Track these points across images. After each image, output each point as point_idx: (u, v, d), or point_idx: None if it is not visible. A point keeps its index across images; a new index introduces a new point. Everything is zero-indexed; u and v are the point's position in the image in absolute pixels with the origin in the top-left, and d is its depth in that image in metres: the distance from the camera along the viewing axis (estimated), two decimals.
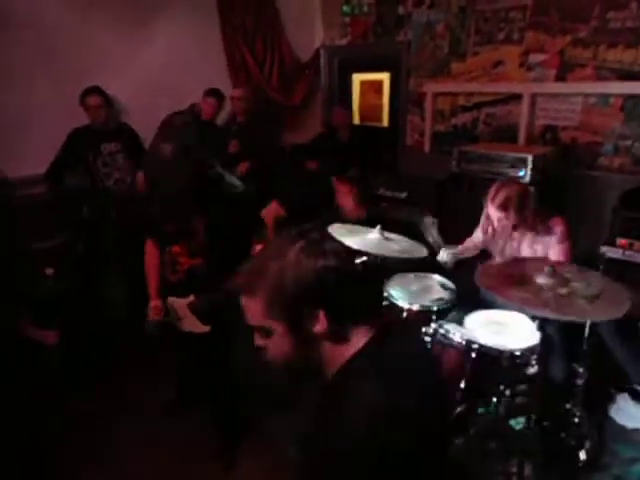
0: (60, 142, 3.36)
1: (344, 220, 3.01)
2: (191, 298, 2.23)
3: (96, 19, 3.51)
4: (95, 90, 3.34)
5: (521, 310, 2.38)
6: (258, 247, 2.17)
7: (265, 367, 1.08)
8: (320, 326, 1.01)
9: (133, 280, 2.56)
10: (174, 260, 2.24)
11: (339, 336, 1.04)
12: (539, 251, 2.38)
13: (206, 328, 2.22)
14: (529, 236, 2.39)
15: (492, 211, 2.36)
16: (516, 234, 2.41)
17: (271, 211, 2.97)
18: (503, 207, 2.30)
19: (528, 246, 2.40)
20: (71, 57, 3.43)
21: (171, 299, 2.29)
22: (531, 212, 2.33)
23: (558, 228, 2.34)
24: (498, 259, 2.58)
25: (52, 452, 2.37)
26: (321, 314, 1.00)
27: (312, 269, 1.00)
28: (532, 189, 2.82)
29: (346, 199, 2.94)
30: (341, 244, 1.08)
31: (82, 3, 3.44)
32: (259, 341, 1.07)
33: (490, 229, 2.46)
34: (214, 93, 3.92)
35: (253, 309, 1.03)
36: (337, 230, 2.44)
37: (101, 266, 3.40)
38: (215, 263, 2.16)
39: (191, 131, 3.21)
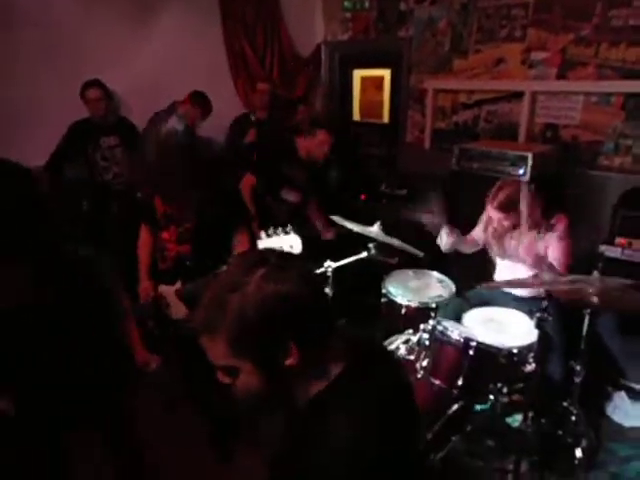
0: (61, 134, 3.35)
1: (310, 165, 3.22)
2: (178, 285, 2.26)
3: (97, 13, 3.50)
4: (95, 83, 3.33)
5: (519, 308, 2.39)
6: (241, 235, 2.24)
7: None
8: (292, 359, 0.93)
9: (131, 273, 2.56)
10: (163, 247, 2.29)
11: (311, 367, 0.96)
12: (541, 249, 2.38)
13: None
14: (531, 234, 2.39)
15: (492, 212, 2.36)
16: (517, 233, 2.41)
17: (247, 182, 3.14)
18: (502, 208, 2.32)
19: (530, 244, 2.40)
20: (72, 51, 3.42)
21: (161, 287, 2.31)
22: (531, 212, 2.33)
23: (560, 225, 2.34)
24: (499, 259, 2.59)
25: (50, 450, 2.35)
26: (292, 346, 0.92)
27: (277, 297, 0.90)
28: (533, 188, 2.83)
29: (321, 147, 3.14)
30: (306, 266, 1.01)
31: None
32: (223, 379, 0.98)
33: (491, 229, 2.46)
34: (203, 103, 3.63)
35: (215, 349, 0.93)
36: (338, 218, 2.48)
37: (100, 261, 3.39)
38: (202, 249, 2.20)
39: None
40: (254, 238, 2.20)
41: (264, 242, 2.06)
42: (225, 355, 0.93)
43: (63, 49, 3.39)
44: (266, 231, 2.09)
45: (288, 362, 0.93)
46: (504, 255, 2.52)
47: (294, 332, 0.92)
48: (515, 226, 2.36)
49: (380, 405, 0.98)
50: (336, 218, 2.51)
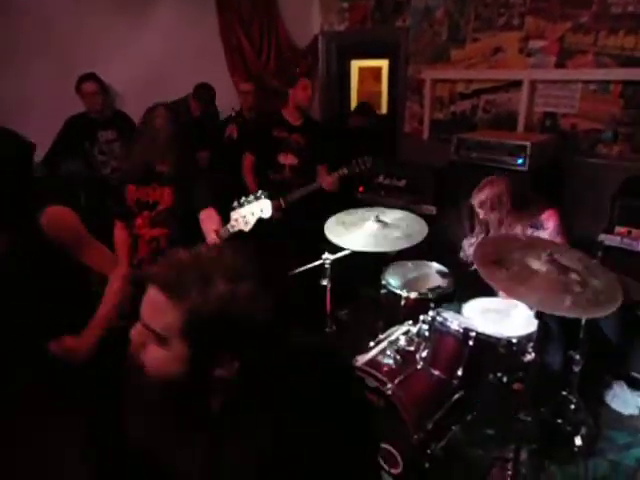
0: (57, 129, 3.33)
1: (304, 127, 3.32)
2: None
3: (92, 6, 3.46)
4: (91, 77, 3.31)
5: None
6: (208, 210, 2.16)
7: None
8: (226, 373, 0.86)
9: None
10: (137, 234, 2.26)
11: (237, 387, 0.88)
12: None
13: None
14: (520, 228, 2.41)
15: (476, 207, 2.44)
16: (505, 227, 2.43)
17: (247, 163, 3.32)
18: (482, 206, 2.40)
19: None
20: (68, 44, 3.38)
21: None
22: (517, 208, 2.37)
23: (551, 222, 2.35)
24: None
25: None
26: (236, 364, 0.85)
27: (263, 308, 0.84)
28: (526, 181, 2.84)
29: (305, 92, 3.25)
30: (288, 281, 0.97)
31: None
32: (138, 339, 0.87)
33: (477, 223, 2.52)
34: (197, 95, 3.78)
35: (164, 313, 0.83)
36: (334, 230, 2.44)
37: None
38: (178, 229, 2.19)
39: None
40: (227, 214, 2.17)
41: (237, 212, 2.06)
42: (170, 325, 0.83)
43: (58, 42, 3.35)
44: (238, 200, 2.09)
45: (219, 373, 0.86)
46: None
47: (250, 354, 0.86)
48: (500, 221, 2.41)
49: (313, 419, 0.89)
50: (329, 230, 2.45)
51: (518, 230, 2.41)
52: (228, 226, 2.09)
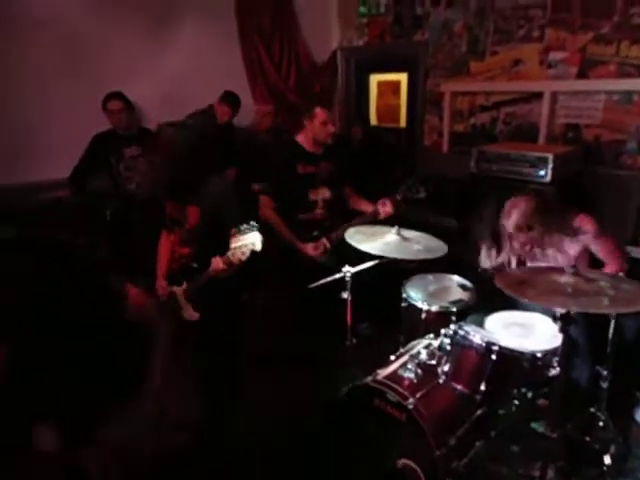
0: (83, 146, 3.43)
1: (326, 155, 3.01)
2: (184, 286, 2.37)
3: (118, 23, 3.59)
4: (117, 95, 3.41)
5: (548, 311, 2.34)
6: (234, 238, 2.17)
7: None
8: None
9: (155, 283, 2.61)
10: (173, 249, 2.45)
11: None
12: (575, 251, 2.33)
13: (197, 316, 2.36)
14: (558, 239, 2.35)
15: (511, 232, 2.34)
16: (546, 240, 2.37)
17: (266, 205, 2.92)
18: (520, 228, 2.29)
19: (563, 250, 2.35)
20: (93, 61, 3.52)
21: (174, 288, 2.42)
22: (550, 220, 2.29)
23: (588, 226, 2.30)
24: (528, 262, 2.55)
25: None
26: None
27: None
28: (553, 190, 2.79)
29: (323, 128, 2.92)
30: None
31: (104, 7, 3.52)
32: None
33: (518, 245, 2.43)
34: (228, 99, 3.82)
35: None
36: (354, 236, 2.44)
37: (124, 269, 3.45)
38: (203, 249, 2.30)
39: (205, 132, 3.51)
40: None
41: (234, 240, 2.10)
42: None
43: (83, 61, 3.48)
44: (237, 228, 2.12)
45: None
46: (532, 260, 2.49)
47: None
48: (542, 237, 2.32)
49: None
50: (350, 238, 2.43)
51: (555, 241, 2.35)
52: (229, 253, 2.13)
